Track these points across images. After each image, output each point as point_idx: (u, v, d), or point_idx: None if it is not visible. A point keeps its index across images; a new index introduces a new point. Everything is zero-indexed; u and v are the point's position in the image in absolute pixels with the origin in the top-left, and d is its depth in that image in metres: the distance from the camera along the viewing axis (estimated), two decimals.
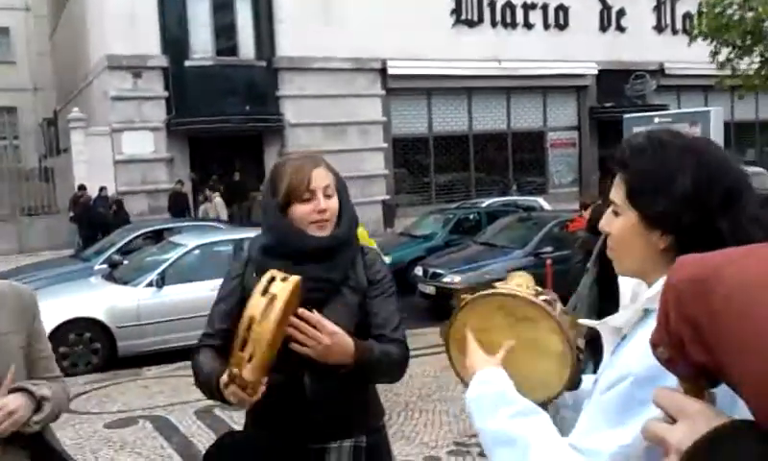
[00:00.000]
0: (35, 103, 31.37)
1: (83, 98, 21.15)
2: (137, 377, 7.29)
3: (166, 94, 18.81)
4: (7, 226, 17.89)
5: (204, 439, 5.41)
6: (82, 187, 17.15)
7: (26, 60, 32.59)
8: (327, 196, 2.00)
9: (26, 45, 32.61)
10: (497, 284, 1.51)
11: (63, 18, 24.87)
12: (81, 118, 18.53)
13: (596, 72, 23.67)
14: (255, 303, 1.73)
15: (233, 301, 2.04)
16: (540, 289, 1.48)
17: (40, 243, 15.91)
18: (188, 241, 9.44)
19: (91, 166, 17.86)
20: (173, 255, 8.96)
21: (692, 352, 0.81)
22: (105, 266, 10.17)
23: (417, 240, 13.01)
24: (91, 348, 7.90)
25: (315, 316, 1.85)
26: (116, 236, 12.05)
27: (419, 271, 10.72)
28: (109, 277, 9.27)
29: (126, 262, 9.94)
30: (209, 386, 1.93)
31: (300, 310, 1.83)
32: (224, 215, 16.39)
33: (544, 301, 1.44)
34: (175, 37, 18.72)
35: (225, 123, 18.61)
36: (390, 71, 20.89)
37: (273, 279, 1.78)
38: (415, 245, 12.62)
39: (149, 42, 18.48)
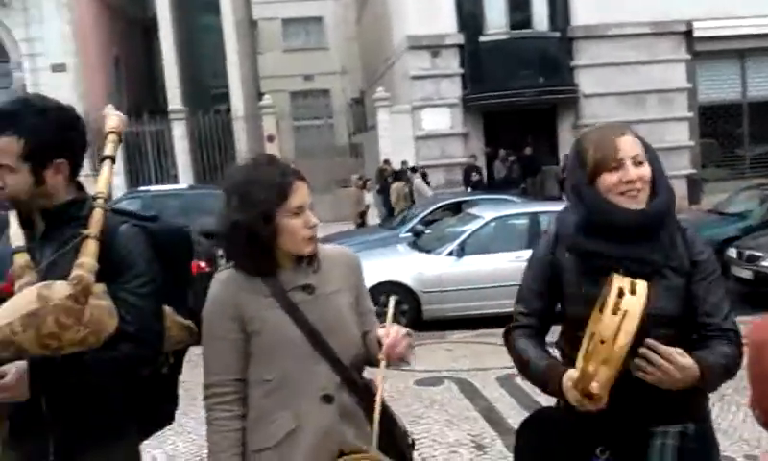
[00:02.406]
0: (344, 85, 34.42)
1: (386, 78, 22.69)
2: (442, 340, 7.73)
3: (462, 71, 19.43)
4: (324, 196, 20.00)
5: (505, 405, 5.57)
6: (386, 162, 18.54)
7: (336, 45, 35.83)
8: (637, 164, 1.88)
9: (336, 32, 35.82)
10: None
11: (368, 5, 26.85)
12: (385, 97, 19.97)
13: None
14: (607, 324, 1.68)
15: (544, 280, 2.03)
16: None
17: (350, 212, 17.51)
18: (485, 214, 9.71)
19: (394, 142, 19.21)
20: (471, 227, 9.31)
21: None
22: (409, 235, 10.92)
23: (729, 219, 11.83)
24: (399, 309, 8.56)
25: (667, 349, 1.74)
26: (418, 208, 12.84)
27: (732, 253, 9.79)
28: (414, 245, 9.92)
29: (428, 232, 10.56)
30: (542, 381, 1.94)
31: (651, 343, 1.74)
32: None
33: None
34: (470, 14, 19.19)
35: (518, 97, 18.68)
36: (696, 33, 19.20)
37: (621, 293, 1.71)
38: (727, 224, 11.48)
39: (446, 21, 19.20)
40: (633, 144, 1.90)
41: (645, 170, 1.90)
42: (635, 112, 19.32)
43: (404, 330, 1.97)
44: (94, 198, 1.96)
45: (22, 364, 1.79)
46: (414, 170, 17.90)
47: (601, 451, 1.93)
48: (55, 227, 1.92)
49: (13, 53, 20.46)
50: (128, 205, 14.60)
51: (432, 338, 7.82)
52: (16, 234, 1.93)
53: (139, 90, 25.99)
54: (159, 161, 21.13)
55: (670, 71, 19.58)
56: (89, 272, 1.79)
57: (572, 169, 2.00)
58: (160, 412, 2.24)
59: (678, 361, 1.74)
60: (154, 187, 16.83)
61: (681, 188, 19.10)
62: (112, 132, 2.14)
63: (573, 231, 1.95)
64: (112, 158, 2.10)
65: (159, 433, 5.62)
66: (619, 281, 1.74)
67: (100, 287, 1.84)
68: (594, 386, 1.70)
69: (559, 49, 19.47)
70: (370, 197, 16.43)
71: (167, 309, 2.03)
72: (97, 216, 1.89)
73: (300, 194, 1.93)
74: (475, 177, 17.88)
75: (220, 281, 1.98)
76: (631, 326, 1.67)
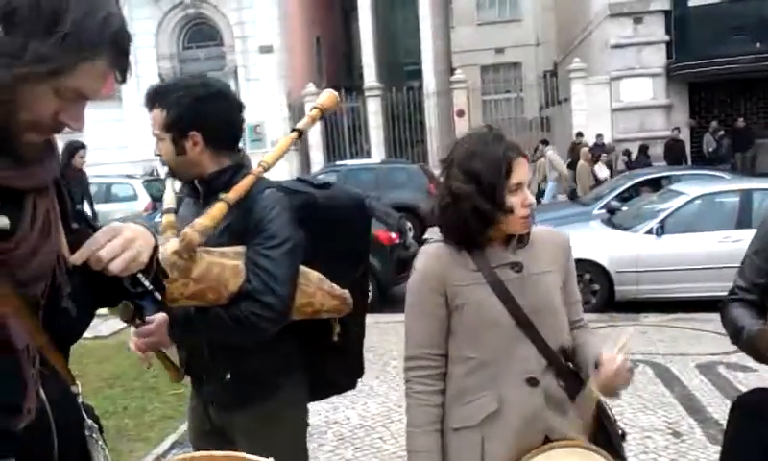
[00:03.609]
0: (536, 57, 33.61)
1: (582, 48, 21.84)
2: (635, 323, 7.37)
3: (667, 38, 18.24)
4: None
5: (706, 394, 5.23)
6: (579, 134, 17.90)
7: (531, 16, 34.98)
8: None
9: (532, 3, 34.95)
10: None
11: None
12: (581, 68, 19.25)
13: None
14: None
15: None
16: None
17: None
18: (690, 190, 9.07)
19: (589, 114, 18.51)
20: (673, 204, 8.73)
21: None
22: (603, 211, 10.50)
23: None
24: (591, 288, 8.26)
25: None
26: (615, 182, 12.29)
27: None
28: (608, 222, 9.51)
29: (624, 209, 10.08)
30: (755, 347, 1.83)
31: None
32: None
33: None
34: None
35: (731, 64, 17.18)
36: None
37: None
38: None
39: None
40: None
41: None
42: None
43: (628, 364, 1.81)
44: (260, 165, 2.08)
45: (163, 315, 1.99)
46: (546, 143, 17.21)
47: None
48: (211, 193, 2.06)
49: (227, 36, 22.23)
50: (324, 178, 15.45)
51: (624, 320, 7.49)
52: (169, 198, 2.15)
53: (337, 68, 27.16)
54: (354, 137, 22.00)
55: None
56: (198, 231, 1.88)
57: None
58: (334, 377, 2.30)
59: None
60: (349, 162, 17.58)
61: None
62: (316, 108, 2.25)
63: None
64: (300, 132, 2.21)
65: (352, 394, 5.87)
66: None
67: (235, 248, 1.96)
68: None
69: None
70: (605, 170, 15.37)
71: (314, 276, 2.06)
72: (244, 182, 2.00)
73: (520, 171, 1.88)
74: (623, 159, 16.64)
75: (427, 254, 1.96)
76: None
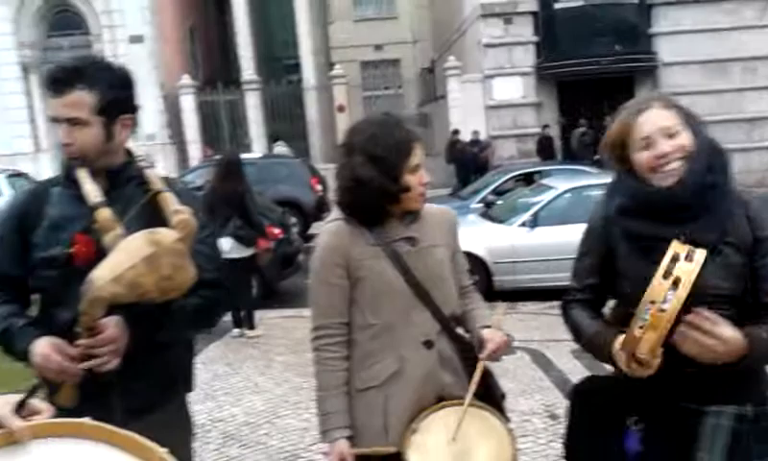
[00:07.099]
0: (414, 54, 34.17)
1: (457, 47, 22.42)
2: (513, 311, 7.69)
3: (536, 39, 19.04)
4: None
5: (580, 376, 5.51)
6: (456, 131, 18.39)
7: (407, 14, 35.51)
8: (669, 136, 1.77)
9: (407, 0, 35.47)
10: None
11: None
12: (456, 66, 19.76)
13: None
14: (656, 288, 1.64)
15: (597, 256, 1.97)
16: None
17: None
18: (559, 184, 9.55)
19: (465, 111, 19.03)
20: (545, 198, 9.18)
21: None
22: (480, 205, 10.86)
23: None
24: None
25: (713, 318, 1.66)
26: (490, 178, 12.73)
27: None
28: (485, 215, 9.86)
29: (500, 202, 10.47)
30: (595, 348, 1.92)
31: (699, 313, 1.65)
32: None
33: None
34: None
35: (594, 65, 18.22)
36: None
37: (676, 258, 1.65)
38: None
39: None
40: (660, 117, 1.80)
41: (680, 140, 1.78)
42: (717, 82, 18.61)
43: (506, 338, 2.13)
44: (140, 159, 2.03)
45: (116, 317, 1.73)
46: (276, 139, 18.75)
47: (635, 422, 1.87)
48: (116, 186, 1.91)
49: (94, 25, 21.10)
50: (201, 174, 14.98)
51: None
52: (93, 190, 1.84)
53: (214, 61, 26.44)
54: (233, 131, 21.53)
55: (756, 38, 18.66)
56: (191, 215, 1.81)
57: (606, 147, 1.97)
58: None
59: (722, 332, 1.65)
60: None
61: (765, 160, 18.38)
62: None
63: (616, 215, 1.89)
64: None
65: (237, 391, 5.72)
66: (677, 247, 1.69)
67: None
68: (640, 350, 1.66)
69: (637, 15, 18.85)
70: None
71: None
72: (154, 174, 1.95)
73: (418, 152, 2.08)
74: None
75: (329, 231, 2.12)
76: (681, 292, 1.61)
